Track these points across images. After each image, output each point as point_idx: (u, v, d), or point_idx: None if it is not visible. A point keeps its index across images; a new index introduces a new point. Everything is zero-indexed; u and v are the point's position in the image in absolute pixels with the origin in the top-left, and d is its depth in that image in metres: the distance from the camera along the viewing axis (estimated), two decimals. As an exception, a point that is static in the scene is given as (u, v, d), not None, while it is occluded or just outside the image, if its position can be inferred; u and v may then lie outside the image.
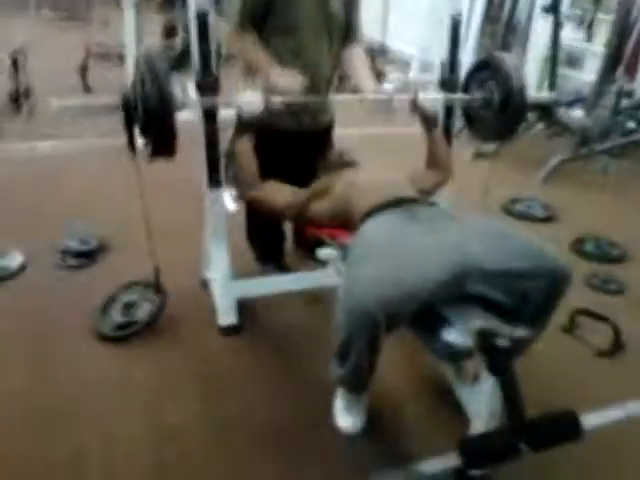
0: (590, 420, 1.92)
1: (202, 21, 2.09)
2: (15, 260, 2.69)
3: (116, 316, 2.32)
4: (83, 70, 5.63)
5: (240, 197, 2.21)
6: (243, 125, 2.06)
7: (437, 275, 1.59)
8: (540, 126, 4.91)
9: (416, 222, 1.76)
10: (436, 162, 2.27)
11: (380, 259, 1.60)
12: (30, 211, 3.23)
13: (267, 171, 2.10)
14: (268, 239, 2.69)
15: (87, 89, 5.59)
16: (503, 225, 1.94)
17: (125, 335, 2.25)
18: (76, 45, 5.95)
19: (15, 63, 4.80)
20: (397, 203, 1.86)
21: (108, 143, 3.98)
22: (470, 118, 2.53)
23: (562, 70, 5.62)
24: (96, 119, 3.60)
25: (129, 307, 2.34)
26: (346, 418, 1.81)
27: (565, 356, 2.35)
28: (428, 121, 2.27)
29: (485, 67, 2.40)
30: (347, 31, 2.33)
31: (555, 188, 4.07)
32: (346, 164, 2.22)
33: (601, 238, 3.27)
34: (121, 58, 4.97)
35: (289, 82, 2.09)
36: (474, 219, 1.88)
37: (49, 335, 2.27)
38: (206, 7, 2.07)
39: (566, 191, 4.05)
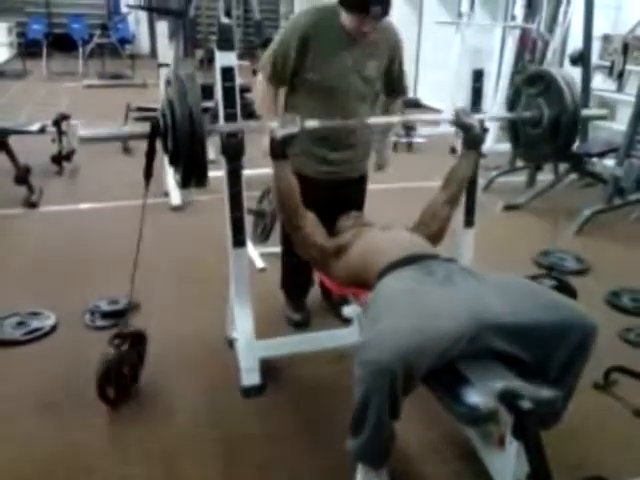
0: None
1: (228, 77, 2.06)
2: (48, 320, 2.73)
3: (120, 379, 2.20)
4: (122, 133, 5.82)
5: (285, 224, 2.25)
6: (276, 147, 1.97)
7: (453, 326, 1.57)
8: (572, 177, 4.85)
9: (432, 277, 1.76)
10: (456, 178, 2.22)
11: (396, 313, 1.61)
12: (65, 270, 3.30)
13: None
14: (299, 285, 2.79)
15: (126, 150, 5.79)
16: (526, 280, 1.92)
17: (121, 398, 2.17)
18: (119, 108, 6.19)
19: (59, 127, 5.01)
20: (413, 260, 1.86)
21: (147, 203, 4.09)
22: (517, 137, 2.49)
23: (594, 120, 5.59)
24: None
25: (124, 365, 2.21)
26: None
27: (600, 416, 2.24)
28: (470, 136, 2.19)
29: (535, 83, 2.33)
30: (393, 86, 2.51)
31: (588, 240, 3.97)
32: (359, 225, 2.23)
33: (637, 290, 3.16)
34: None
35: (285, 130, 1.98)
36: (495, 275, 1.85)
37: (66, 399, 2.25)
38: (232, 62, 2.07)
39: (599, 243, 3.95)
